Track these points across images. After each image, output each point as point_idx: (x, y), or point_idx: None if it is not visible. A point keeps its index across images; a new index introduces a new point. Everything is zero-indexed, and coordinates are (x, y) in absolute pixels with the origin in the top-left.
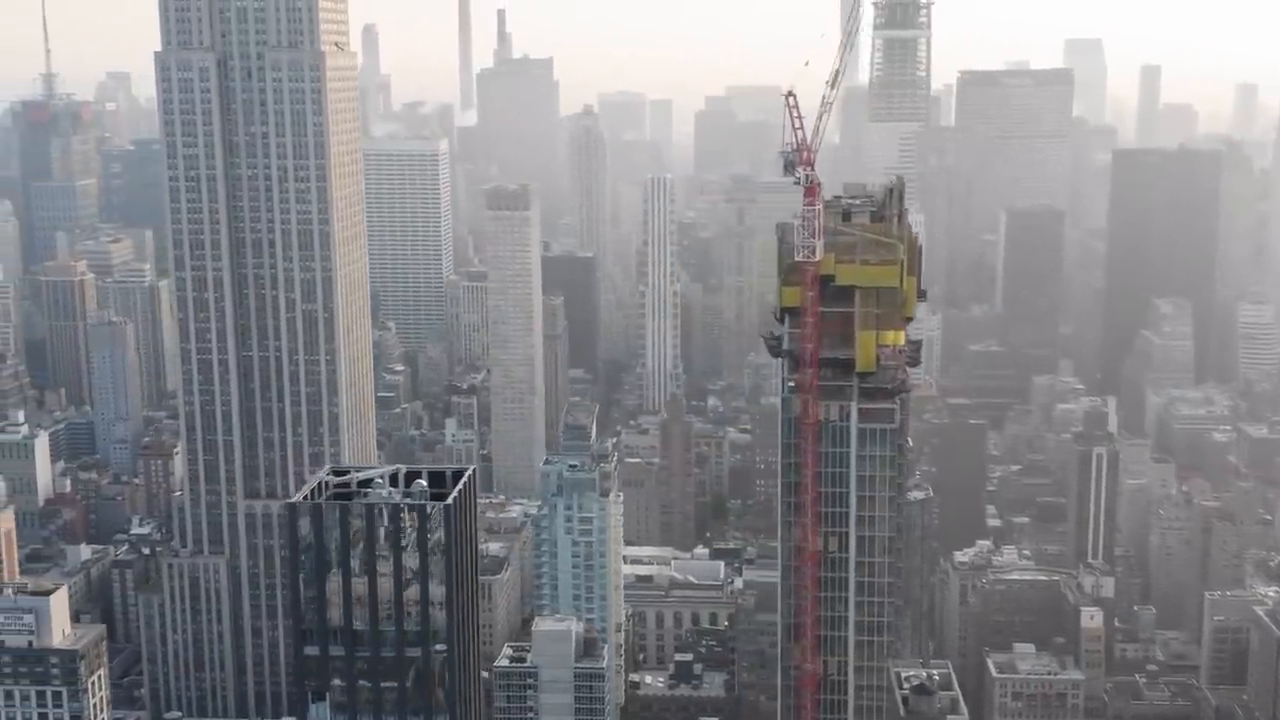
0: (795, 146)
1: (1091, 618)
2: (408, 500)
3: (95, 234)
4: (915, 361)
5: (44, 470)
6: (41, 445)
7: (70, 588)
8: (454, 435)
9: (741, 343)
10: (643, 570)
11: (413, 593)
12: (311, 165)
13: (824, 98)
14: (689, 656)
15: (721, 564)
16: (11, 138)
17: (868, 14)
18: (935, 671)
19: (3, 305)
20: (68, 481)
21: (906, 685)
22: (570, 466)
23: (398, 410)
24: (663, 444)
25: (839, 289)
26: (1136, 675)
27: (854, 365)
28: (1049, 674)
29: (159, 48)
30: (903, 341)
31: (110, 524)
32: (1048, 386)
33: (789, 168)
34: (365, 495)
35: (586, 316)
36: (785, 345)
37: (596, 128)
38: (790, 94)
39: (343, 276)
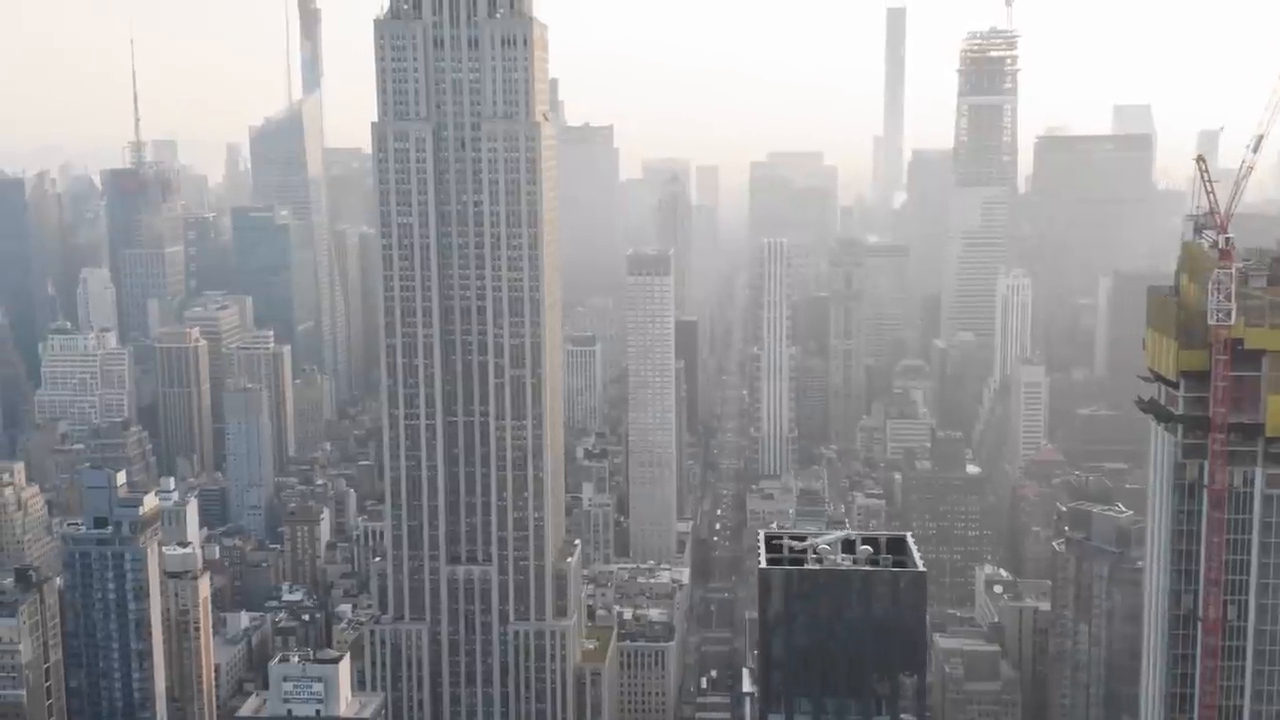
0: (1208, 210)
1: None
2: (880, 568)
3: (203, 301)
4: None
5: (194, 537)
6: (191, 512)
7: (235, 655)
8: (591, 499)
9: (849, 406)
10: None
11: (872, 659)
12: (525, 234)
13: (1243, 161)
14: None
15: None
16: (89, 204)
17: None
18: None
19: (118, 372)
20: (216, 549)
21: None
22: None
23: None
24: None
25: (1244, 352)
26: None
27: (1260, 430)
28: None
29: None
30: None
31: (258, 591)
32: None
33: (1198, 231)
34: (819, 560)
35: (690, 380)
36: (1180, 410)
37: (684, 192)
38: (1200, 159)
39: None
